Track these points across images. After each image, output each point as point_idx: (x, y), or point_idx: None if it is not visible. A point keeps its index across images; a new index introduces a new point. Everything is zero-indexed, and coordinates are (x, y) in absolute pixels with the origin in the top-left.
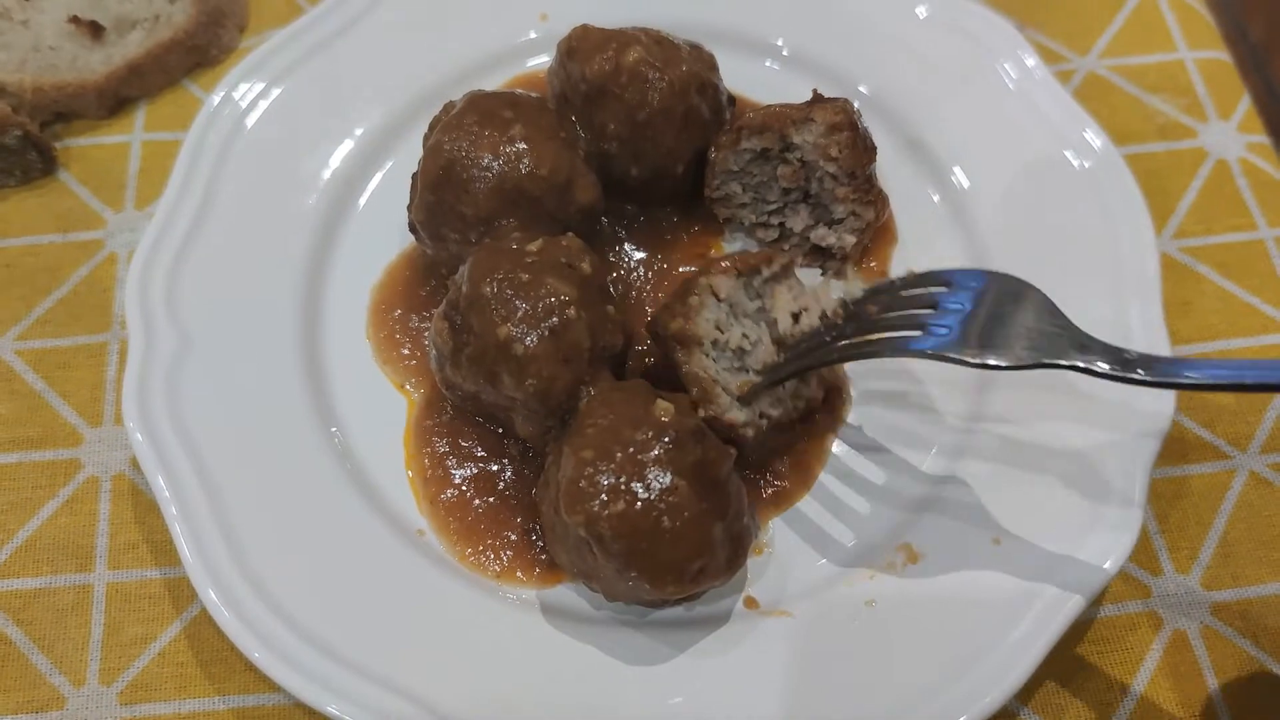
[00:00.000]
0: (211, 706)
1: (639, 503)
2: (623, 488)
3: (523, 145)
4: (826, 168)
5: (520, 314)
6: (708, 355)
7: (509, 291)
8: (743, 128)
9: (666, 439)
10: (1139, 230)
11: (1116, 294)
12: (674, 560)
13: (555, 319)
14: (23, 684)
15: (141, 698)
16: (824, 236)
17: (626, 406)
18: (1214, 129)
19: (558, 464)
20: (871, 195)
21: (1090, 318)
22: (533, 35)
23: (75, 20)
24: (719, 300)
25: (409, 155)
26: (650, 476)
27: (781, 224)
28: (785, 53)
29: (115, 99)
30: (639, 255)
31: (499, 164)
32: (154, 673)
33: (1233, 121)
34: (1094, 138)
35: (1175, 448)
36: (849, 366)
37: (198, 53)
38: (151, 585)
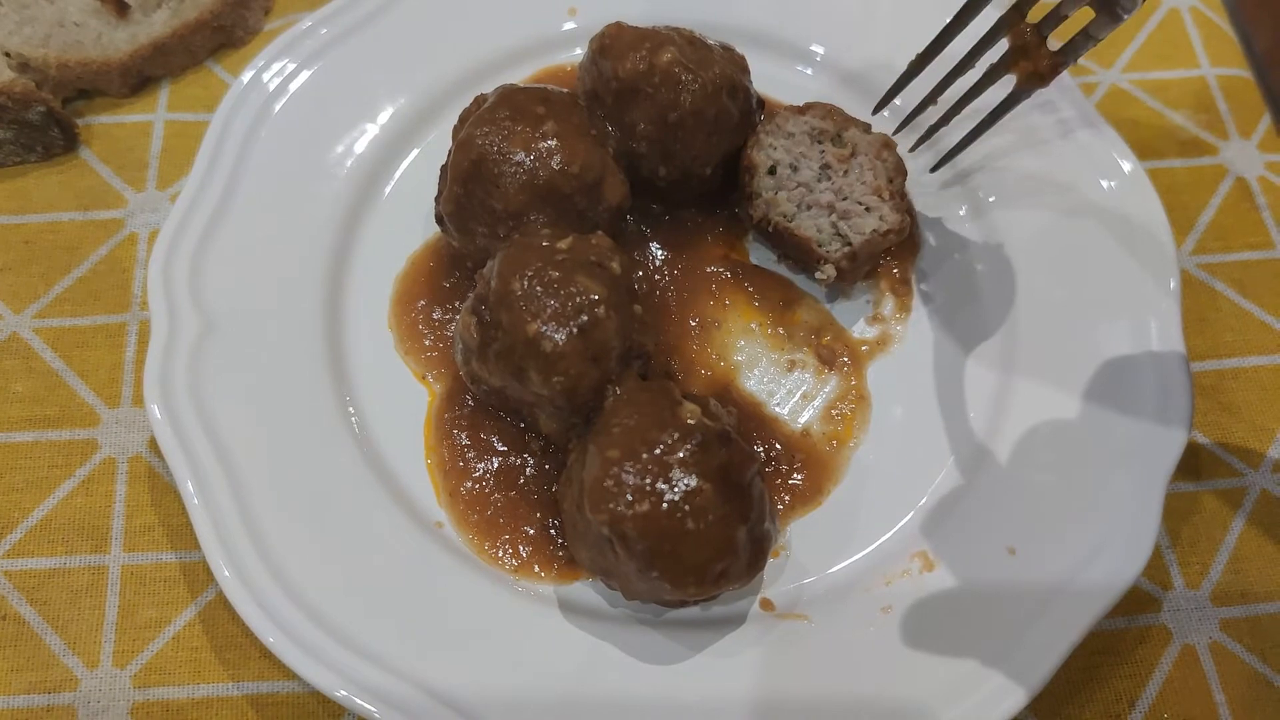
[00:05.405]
0: (225, 692)
1: (664, 504)
2: (648, 488)
3: (555, 142)
4: (877, 159)
5: (550, 311)
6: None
7: (539, 289)
8: (812, 105)
9: (693, 441)
10: (1161, 249)
11: (1136, 309)
12: (696, 562)
13: (585, 317)
14: (35, 664)
15: (155, 681)
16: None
17: (653, 407)
18: (1234, 146)
19: (582, 462)
20: (904, 204)
21: (1110, 330)
22: (561, 28)
23: None
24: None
25: (434, 145)
26: (676, 478)
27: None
28: (818, 58)
29: (139, 77)
30: (663, 255)
31: (530, 160)
32: (168, 657)
33: (1253, 140)
34: (1123, 160)
35: (1189, 464)
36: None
37: (223, 34)
38: (167, 569)
